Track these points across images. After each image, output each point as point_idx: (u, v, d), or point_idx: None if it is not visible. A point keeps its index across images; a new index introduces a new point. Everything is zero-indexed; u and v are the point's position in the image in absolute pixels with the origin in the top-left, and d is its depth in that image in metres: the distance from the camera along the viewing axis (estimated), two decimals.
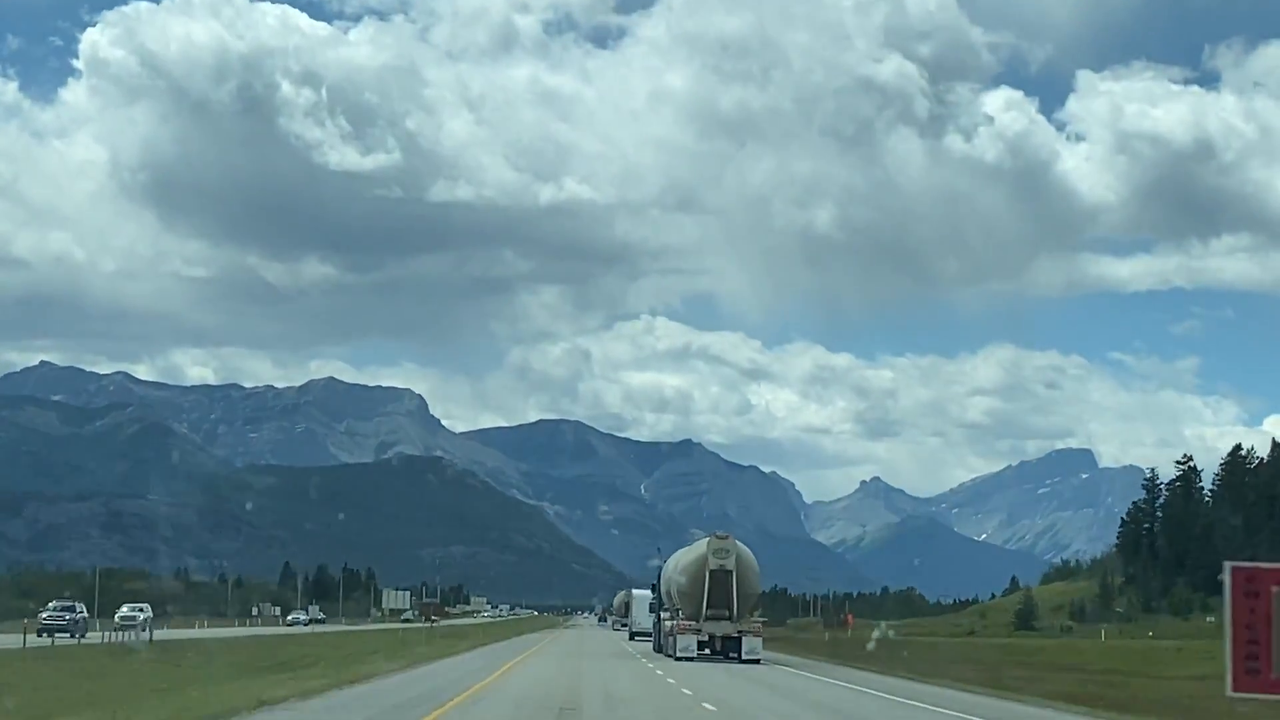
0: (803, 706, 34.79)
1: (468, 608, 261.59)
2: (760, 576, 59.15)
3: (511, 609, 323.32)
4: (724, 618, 56.94)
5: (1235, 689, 30.88)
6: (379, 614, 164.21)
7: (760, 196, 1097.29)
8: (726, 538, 57.76)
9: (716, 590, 56.57)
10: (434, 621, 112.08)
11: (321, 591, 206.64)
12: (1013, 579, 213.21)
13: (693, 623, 57.31)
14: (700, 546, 58.33)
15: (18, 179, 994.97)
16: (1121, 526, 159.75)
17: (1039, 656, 73.74)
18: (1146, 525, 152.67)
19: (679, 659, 56.37)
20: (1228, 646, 30.86)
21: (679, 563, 61.18)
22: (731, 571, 56.54)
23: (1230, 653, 30.89)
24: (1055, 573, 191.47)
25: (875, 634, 72.98)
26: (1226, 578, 31.84)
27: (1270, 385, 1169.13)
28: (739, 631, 57.02)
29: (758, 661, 56.35)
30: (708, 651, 57.91)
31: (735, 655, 56.97)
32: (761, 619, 63.08)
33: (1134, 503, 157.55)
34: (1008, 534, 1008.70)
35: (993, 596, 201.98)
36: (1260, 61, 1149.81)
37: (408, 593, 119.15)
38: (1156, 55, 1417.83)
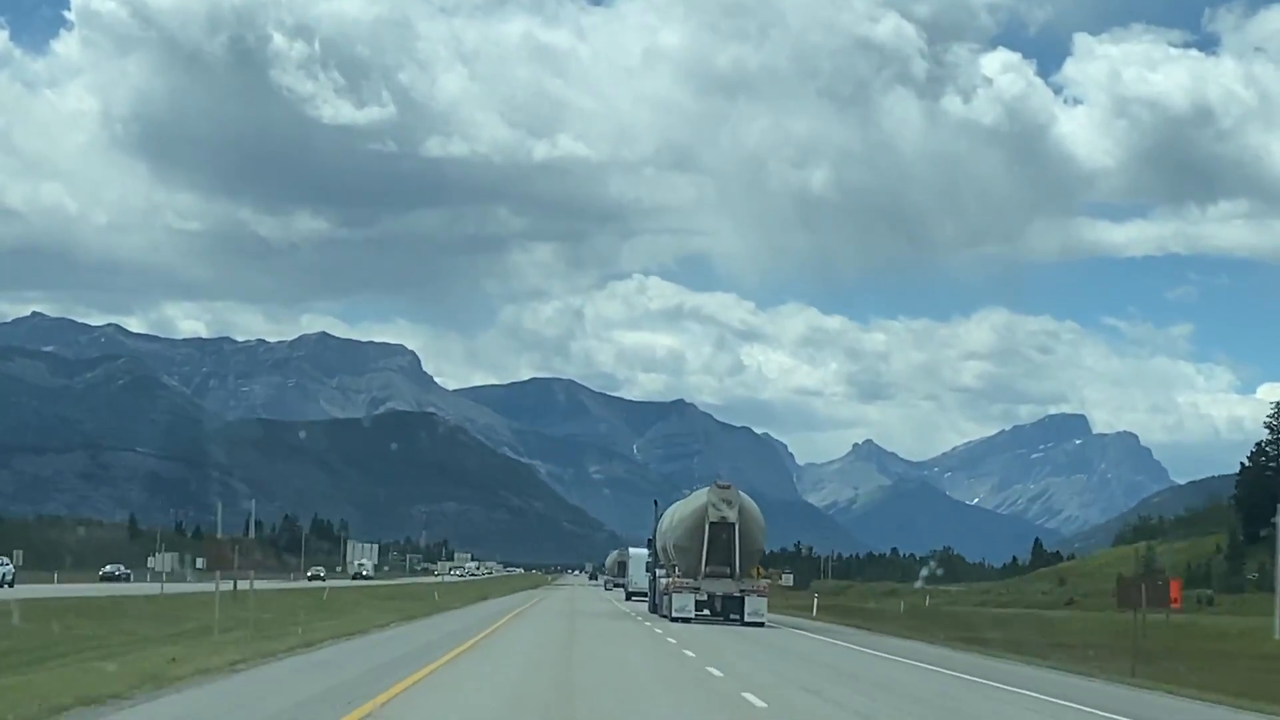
0: None
1: (451, 564, 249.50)
2: (765, 531, 54.33)
3: (504, 566, 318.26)
4: (725, 575, 52.15)
5: None
6: (351, 568, 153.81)
7: (755, 157, 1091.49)
8: (729, 487, 52.77)
9: (717, 545, 51.80)
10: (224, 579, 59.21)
11: (289, 545, 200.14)
12: (1036, 541, 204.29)
13: (690, 580, 52.56)
14: (700, 496, 53.41)
15: (10, 129, 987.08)
16: (1240, 474, 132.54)
17: None
18: (1270, 470, 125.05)
19: (675, 620, 51.87)
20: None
21: (676, 514, 56.29)
22: (734, 524, 51.71)
23: None
24: (1132, 533, 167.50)
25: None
26: None
27: (1264, 353, 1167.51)
28: (741, 590, 52.30)
29: (761, 624, 51.81)
30: (706, 612, 53.39)
31: (737, 617, 52.40)
32: (788, 573, 58.05)
33: (1257, 444, 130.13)
34: (999, 499, 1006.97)
35: (1014, 560, 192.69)
36: (1260, 26, 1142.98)
37: (375, 546, 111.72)
38: (1155, 18, 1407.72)
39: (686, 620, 51.51)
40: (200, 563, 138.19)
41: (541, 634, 42.73)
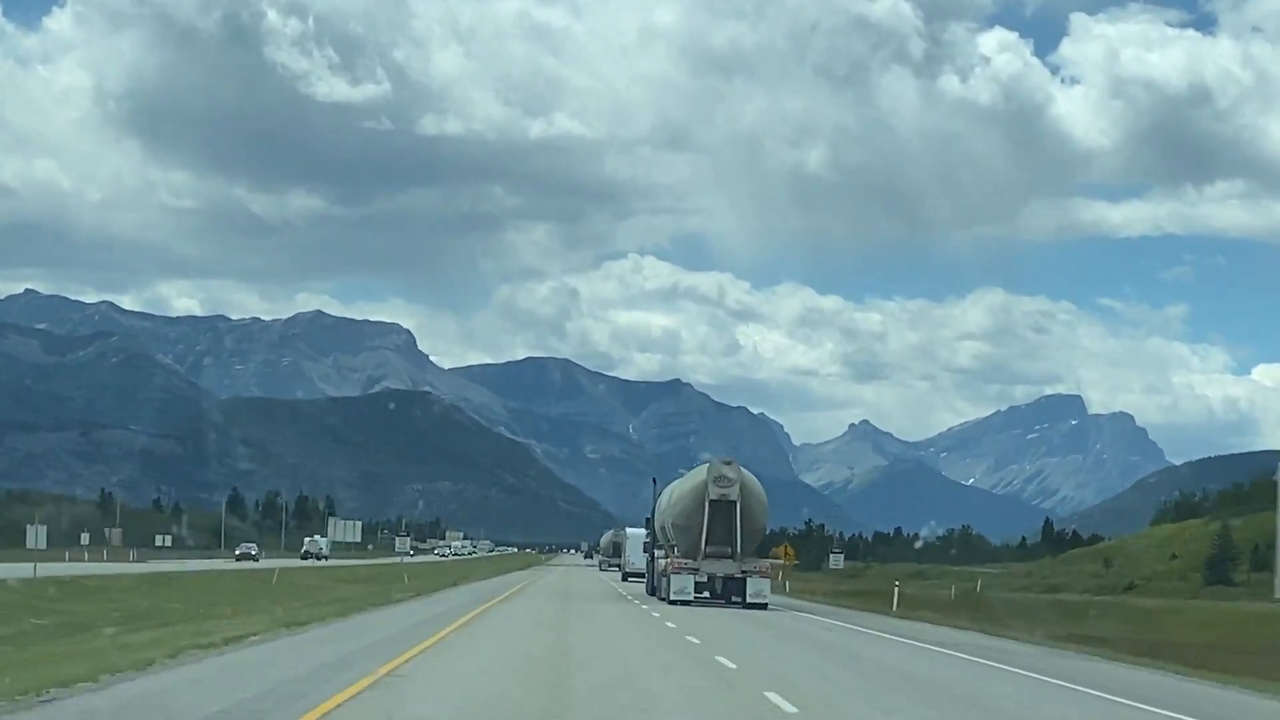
0: None
1: (441, 543, 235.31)
2: (768, 510, 52.15)
3: (495, 545, 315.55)
4: (726, 556, 49.89)
5: None
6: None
7: (751, 135, 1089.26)
8: (730, 463, 50.46)
9: (717, 524, 49.55)
10: None
11: (272, 520, 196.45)
12: (1046, 521, 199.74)
13: (689, 561, 50.40)
14: (700, 474, 51.14)
15: (2, 105, 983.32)
16: None
17: None
18: None
19: (673, 602, 49.73)
20: None
21: (675, 492, 54.11)
22: (735, 502, 49.40)
23: None
24: (1173, 510, 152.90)
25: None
26: None
27: (1259, 334, 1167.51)
28: (743, 571, 50.11)
29: (764, 606, 49.71)
30: (706, 595, 51.16)
31: (739, 599, 50.20)
32: (837, 553, 54.87)
33: None
34: (995, 479, 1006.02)
35: (1024, 541, 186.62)
36: (1258, 6, 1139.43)
37: (358, 524, 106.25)
38: None
39: (686, 603, 49.51)
40: (116, 535, 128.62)
41: (511, 658, 25.87)
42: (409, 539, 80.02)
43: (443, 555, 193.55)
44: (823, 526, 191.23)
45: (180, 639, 27.10)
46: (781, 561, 69.43)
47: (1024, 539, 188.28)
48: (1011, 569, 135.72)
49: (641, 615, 44.84)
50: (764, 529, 53.68)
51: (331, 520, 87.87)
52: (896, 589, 62.09)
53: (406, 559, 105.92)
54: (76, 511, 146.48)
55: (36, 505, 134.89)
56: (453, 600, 51.52)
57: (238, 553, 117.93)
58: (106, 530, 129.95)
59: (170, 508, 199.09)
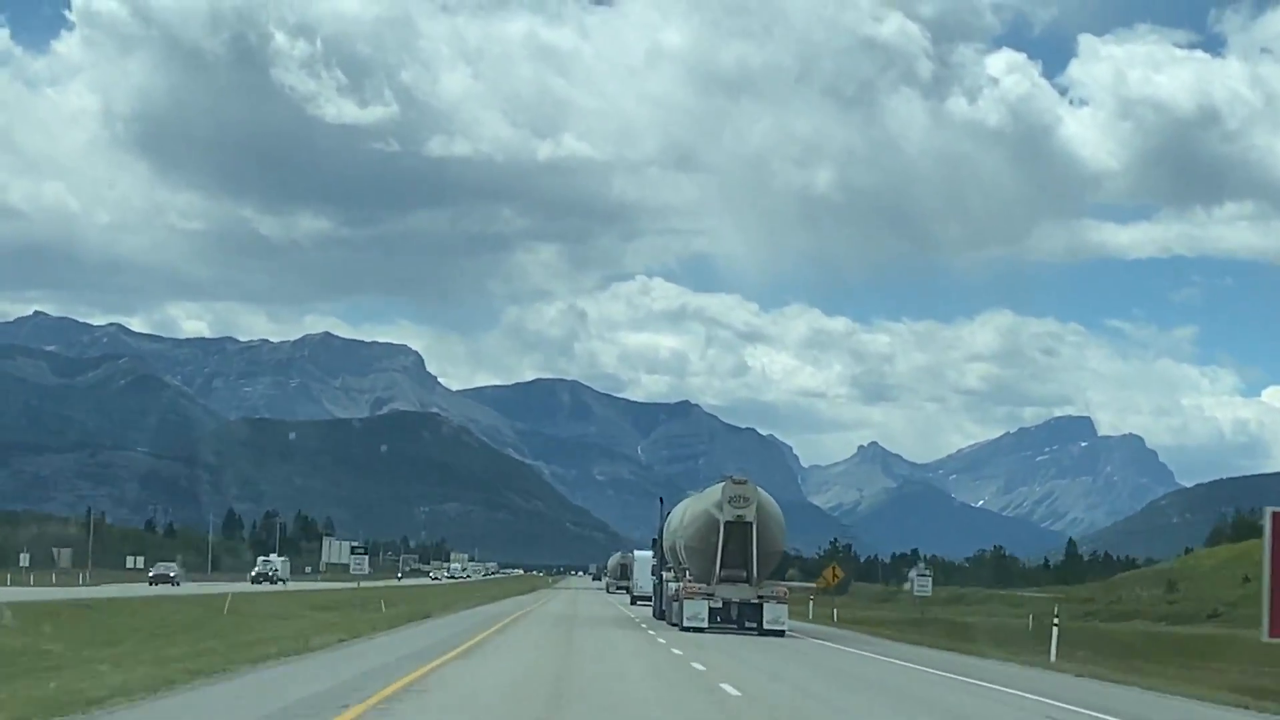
0: None
1: (439, 565, 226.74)
2: (785, 531, 49.92)
3: (499, 567, 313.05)
4: (741, 580, 47.51)
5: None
6: (321, 571, 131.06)
7: (759, 156, 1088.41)
8: (745, 482, 48.09)
9: (732, 546, 47.22)
10: None
11: (267, 542, 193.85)
12: (1070, 541, 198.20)
13: (703, 585, 48.07)
14: (713, 493, 48.82)
15: (11, 128, 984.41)
16: None
17: None
18: None
19: (686, 629, 47.42)
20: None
21: (686, 513, 51.82)
22: (751, 524, 47.03)
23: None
24: (1231, 529, 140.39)
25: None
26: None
27: (1269, 356, 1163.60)
28: (759, 597, 47.77)
29: (781, 633, 47.52)
30: (719, 620, 48.96)
31: (754, 625, 47.86)
32: (925, 575, 51.21)
33: None
34: (1005, 501, 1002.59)
35: (1046, 563, 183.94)
36: (1267, 27, 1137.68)
37: (347, 544, 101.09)
38: (1160, 19, 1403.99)
39: (700, 630, 47.26)
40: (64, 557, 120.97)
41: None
42: (366, 556, 71.92)
43: (437, 578, 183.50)
44: (849, 547, 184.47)
45: None
46: (815, 585, 65.79)
47: (1047, 560, 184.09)
48: (1068, 593, 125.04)
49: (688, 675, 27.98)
50: (781, 551, 51.42)
51: (327, 541, 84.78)
52: (1056, 629, 41.01)
53: (364, 583, 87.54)
54: (64, 532, 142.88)
55: (23, 526, 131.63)
56: (404, 646, 34.31)
57: (152, 574, 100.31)
58: (55, 550, 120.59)
59: (164, 529, 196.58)
